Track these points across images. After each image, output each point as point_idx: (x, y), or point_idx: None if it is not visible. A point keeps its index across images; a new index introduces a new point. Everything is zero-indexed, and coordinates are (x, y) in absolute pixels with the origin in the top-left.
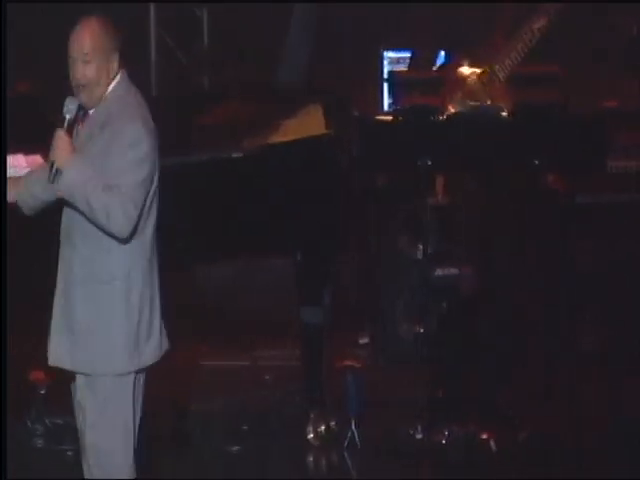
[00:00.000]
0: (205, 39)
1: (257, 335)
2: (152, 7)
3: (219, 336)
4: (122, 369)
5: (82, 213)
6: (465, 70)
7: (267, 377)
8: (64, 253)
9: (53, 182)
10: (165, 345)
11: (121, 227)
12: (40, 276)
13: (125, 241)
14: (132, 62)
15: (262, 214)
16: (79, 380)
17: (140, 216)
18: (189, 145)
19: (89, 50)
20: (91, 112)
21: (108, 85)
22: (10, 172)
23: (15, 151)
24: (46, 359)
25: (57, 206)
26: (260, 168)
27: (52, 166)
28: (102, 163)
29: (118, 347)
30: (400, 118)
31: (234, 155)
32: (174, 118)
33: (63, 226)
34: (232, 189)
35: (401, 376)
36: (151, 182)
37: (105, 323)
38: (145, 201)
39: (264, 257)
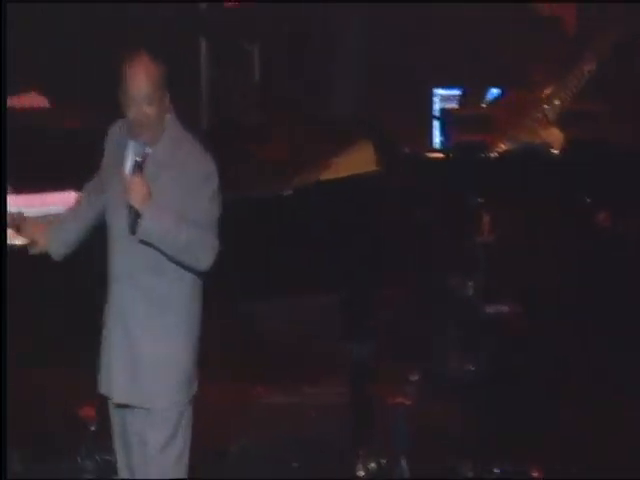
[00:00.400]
0: (255, 74)
1: (305, 371)
2: (202, 41)
3: (267, 372)
4: (184, 400)
5: (145, 251)
6: (515, 107)
7: (315, 413)
8: (122, 290)
9: (134, 229)
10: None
11: (207, 261)
12: (88, 312)
13: (182, 273)
14: (182, 97)
15: (312, 250)
16: (138, 416)
17: None
18: (239, 181)
19: (150, 91)
20: (150, 151)
21: (164, 122)
22: (30, 212)
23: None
24: (96, 395)
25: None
26: (310, 204)
27: (130, 212)
28: (174, 200)
29: (181, 379)
30: (450, 155)
31: (284, 192)
32: (223, 154)
33: (118, 264)
34: (282, 226)
35: (451, 412)
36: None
37: (170, 356)
38: None
39: (313, 293)
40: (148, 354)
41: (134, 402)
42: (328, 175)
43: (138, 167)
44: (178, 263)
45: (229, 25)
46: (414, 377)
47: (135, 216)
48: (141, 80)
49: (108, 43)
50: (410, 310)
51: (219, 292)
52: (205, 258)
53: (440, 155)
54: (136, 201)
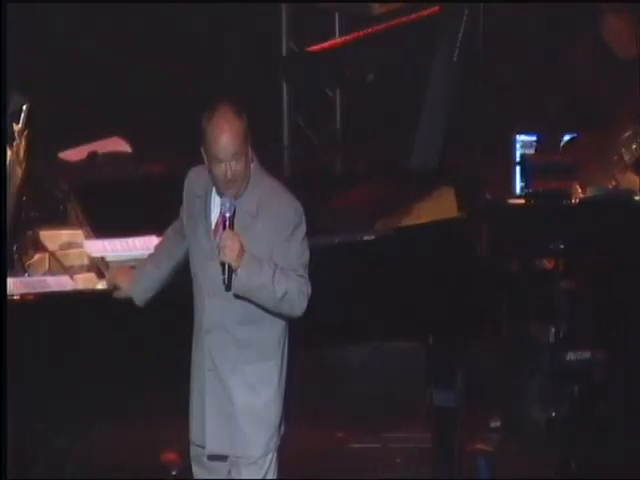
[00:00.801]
0: (337, 120)
1: (387, 417)
2: (285, 88)
3: (349, 418)
4: (275, 446)
5: (240, 303)
6: (592, 151)
7: (398, 460)
8: (214, 341)
9: (229, 286)
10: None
11: (302, 308)
12: (171, 360)
13: (278, 320)
14: (265, 143)
15: (394, 296)
16: (229, 464)
17: None
18: (321, 227)
19: (237, 149)
20: (235, 205)
21: (249, 172)
22: (113, 257)
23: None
24: (178, 440)
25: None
26: (392, 250)
27: (225, 269)
28: (267, 249)
29: (274, 426)
30: (532, 202)
31: (366, 238)
32: (305, 199)
33: (210, 316)
34: (363, 271)
35: (533, 460)
36: None
37: (264, 404)
38: None
39: (395, 340)
40: (243, 403)
41: (229, 452)
42: (410, 220)
43: (229, 223)
44: (273, 312)
45: (311, 70)
46: (495, 424)
47: (230, 272)
48: (227, 139)
49: (189, 89)
50: (492, 357)
51: (301, 337)
52: (300, 305)
53: (521, 201)
54: (231, 258)
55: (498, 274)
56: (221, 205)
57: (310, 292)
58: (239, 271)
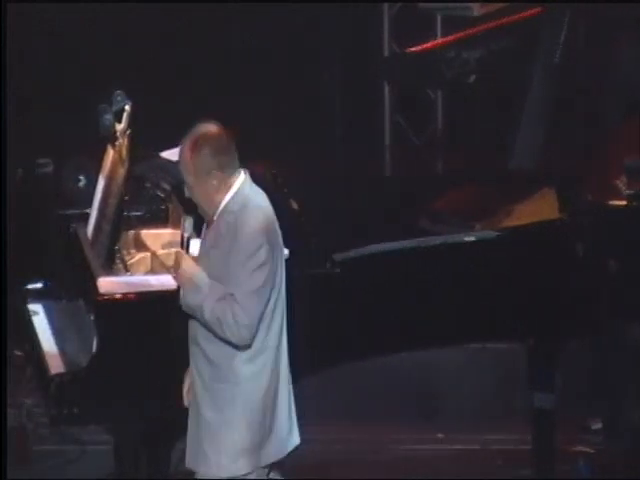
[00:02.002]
0: (439, 122)
1: (486, 419)
2: (386, 88)
3: (448, 419)
4: (243, 470)
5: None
6: None
7: (499, 462)
8: (192, 353)
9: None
10: (294, 441)
11: (236, 336)
12: None
13: (247, 346)
14: (366, 143)
15: (493, 298)
16: None
17: (261, 321)
18: (421, 228)
19: (186, 178)
20: (215, 219)
21: (224, 196)
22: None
23: None
24: None
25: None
26: (493, 252)
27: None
28: (222, 273)
29: (240, 449)
30: (634, 203)
31: (467, 239)
32: (406, 200)
33: (190, 328)
34: (464, 272)
35: (635, 462)
36: (272, 286)
37: (228, 424)
38: (266, 307)
39: (495, 341)
40: (209, 421)
41: (197, 469)
42: (511, 222)
43: (185, 243)
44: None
45: (412, 71)
46: (596, 425)
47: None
48: (180, 164)
49: (290, 89)
50: (593, 358)
51: (403, 340)
52: (232, 333)
53: (623, 203)
54: (175, 276)
55: (598, 275)
56: (184, 224)
57: (246, 322)
58: (182, 291)
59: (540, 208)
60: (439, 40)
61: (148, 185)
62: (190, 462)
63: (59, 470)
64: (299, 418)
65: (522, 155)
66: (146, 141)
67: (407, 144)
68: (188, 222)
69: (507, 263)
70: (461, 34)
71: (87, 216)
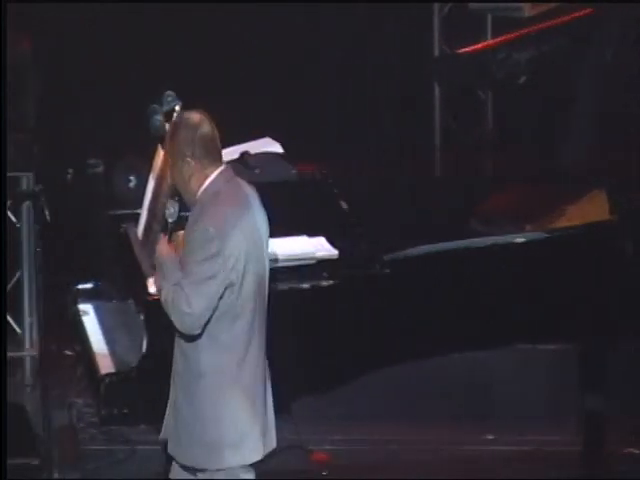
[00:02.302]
0: (489, 122)
1: (537, 420)
2: (436, 89)
3: (499, 420)
4: (215, 465)
5: None
6: None
7: (550, 464)
8: (175, 350)
9: None
10: (270, 444)
11: (179, 323)
12: (320, 362)
13: (212, 338)
14: (416, 143)
15: (544, 299)
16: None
17: (217, 315)
18: (472, 229)
19: (168, 155)
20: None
21: (200, 185)
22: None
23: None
24: (332, 441)
25: None
26: (543, 253)
27: None
28: (185, 260)
29: (209, 443)
30: None
31: (517, 240)
32: (456, 201)
33: None
34: (514, 273)
35: None
36: (229, 282)
37: (198, 417)
38: (219, 300)
39: (547, 342)
40: (182, 412)
41: (176, 458)
42: (561, 222)
43: (171, 228)
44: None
45: (463, 72)
46: None
47: None
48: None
49: (340, 89)
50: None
51: (457, 342)
52: (175, 321)
53: None
54: (156, 261)
55: None
56: (166, 209)
57: (188, 311)
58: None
59: (590, 209)
60: (490, 41)
61: None
62: (171, 450)
63: (108, 470)
64: (352, 418)
65: (573, 155)
66: None
67: (457, 145)
68: (173, 207)
69: (557, 264)
70: (512, 35)
71: (137, 216)
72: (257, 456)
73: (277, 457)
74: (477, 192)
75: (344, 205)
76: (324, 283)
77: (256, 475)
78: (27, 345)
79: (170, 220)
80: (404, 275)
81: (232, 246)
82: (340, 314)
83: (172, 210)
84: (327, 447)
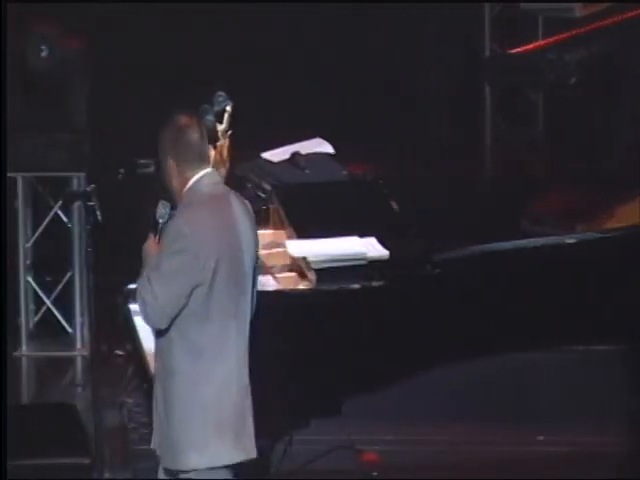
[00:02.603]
0: (540, 123)
1: (587, 421)
2: (487, 89)
3: (550, 422)
4: (183, 466)
5: None
6: None
7: (598, 464)
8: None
9: None
10: (248, 452)
11: (143, 314)
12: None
13: (183, 337)
14: (467, 144)
15: (594, 299)
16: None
17: (185, 314)
18: (523, 230)
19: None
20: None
21: (182, 186)
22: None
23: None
24: (382, 442)
25: None
26: (594, 253)
27: None
28: None
29: (178, 443)
30: None
31: (569, 240)
32: (506, 201)
33: None
34: (565, 274)
35: None
36: (197, 281)
37: (168, 416)
38: (186, 299)
39: (597, 344)
40: (159, 407)
41: (159, 453)
42: (612, 224)
43: (160, 228)
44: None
45: (513, 72)
46: None
47: None
48: None
49: (390, 90)
50: None
51: (501, 341)
52: (140, 312)
53: None
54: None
55: None
56: (157, 209)
57: (149, 303)
58: None
59: None
60: (541, 41)
61: (249, 185)
62: (153, 446)
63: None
64: (401, 418)
65: (623, 156)
66: (247, 142)
67: (507, 145)
68: (164, 208)
69: (608, 264)
70: (563, 35)
71: None
72: (226, 461)
73: (327, 457)
74: (527, 192)
75: (395, 205)
76: (374, 283)
77: (307, 475)
78: (78, 345)
79: (161, 221)
80: (454, 275)
81: (203, 247)
82: (390, 314)
83: (163, 211)
84: (377, 447)
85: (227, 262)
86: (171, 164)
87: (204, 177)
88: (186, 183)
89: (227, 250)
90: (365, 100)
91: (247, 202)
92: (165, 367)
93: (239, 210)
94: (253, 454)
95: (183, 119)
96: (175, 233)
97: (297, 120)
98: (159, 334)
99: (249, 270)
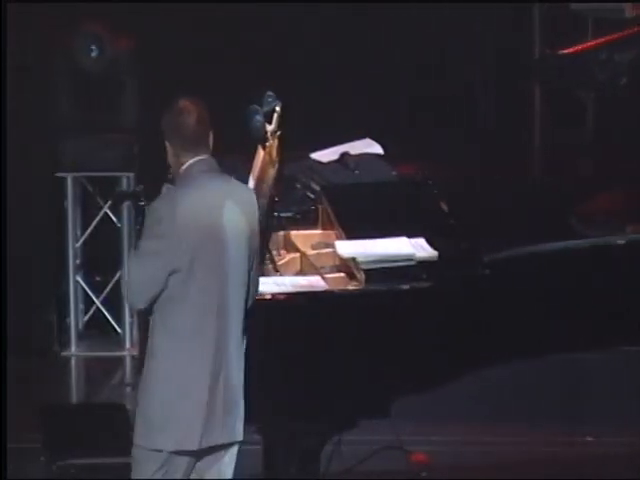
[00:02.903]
0: (590, 123)
1: (635, 421)
2: (537, 91)
3: (598, 422)
4: (139, 442)
5: None
6: None
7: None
8: None
9: None
10: (213, 440)
11: (122, 290)
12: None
13: (162, 321)
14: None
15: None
16: None
17: (164, 299)
18: (572, 230)
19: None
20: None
21: (178, 170)
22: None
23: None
24: (430, 442)
25: None
26: None
27: None
28: None
29: (143, 422)
30: None
31: (619, 242)
32: (556, 202)
33: None
34: (616, 275)
35: None
36: (173, 267)
37: (143, 395)
38: (165, 284)
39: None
40: (139, 389)
41: None
42: None
43: None
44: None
45: (563, 72)
46: None
47: None
48: None
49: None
50: None
51: (552, 341)
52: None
53: None
54: None
55: None
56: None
57: (127, 281)
58: None
59: None
60: (591, 41)
61: (298, 186)
62: None
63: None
64: (449, 419)
65: None
66: (296, 142)
67: (557, 145)
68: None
69: None
70: (613, 35)
71: None
72: (190, 446)
73: (376, 458)
74: (577, 193)
75: (444, 206)
76: (423, 284)
77: (356, 476)
78: (127, 344)
79: None
80: (504, 276)
81: (181, 232)
82: (439, 315)
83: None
84: (425, 448)
85: (207, 250)
86: (168, 148)
87: (197, 163)
88: (180, 167)
89: (207, 239)
90: (412, 100)
91: (251, 193)
92: (148, 350)
93: (232, 199)
94: (219, 441)
95: (182, 103)
96: (154, 216)
97: (345, 120)
98: (150, 316)
99: (237, 260)
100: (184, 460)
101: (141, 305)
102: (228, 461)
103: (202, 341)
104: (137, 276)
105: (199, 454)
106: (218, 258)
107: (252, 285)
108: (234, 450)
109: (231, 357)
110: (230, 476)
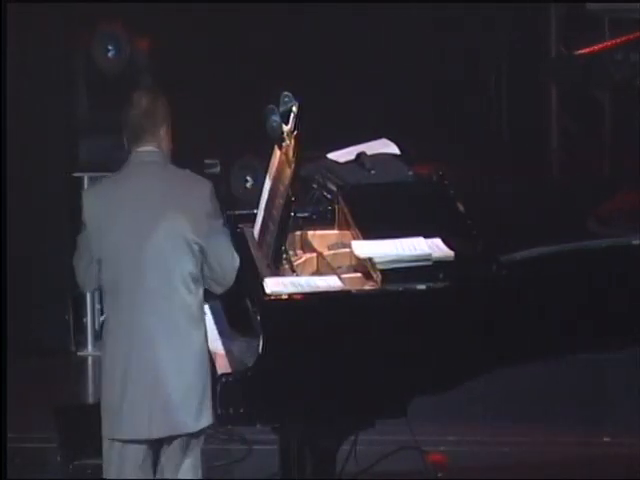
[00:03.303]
0: (607, 123)
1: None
2: (553, 91)
3: (616, 423)
4: (103, 430)
5: None
6: None
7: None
8: None
9: None
10: (156, 432)
11: None
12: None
13: (107, 308)
14: (533, 145)
15: None
16: None
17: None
18: (589, 231)
19: None
20: None
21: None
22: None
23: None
24: (447, 442)
25: None
26: None
27: None
28: None
29: (104, 410)
30: None
31: (635, 242)
32: (573, 202)
33: None
34: (632, 275)
35: None
36: (98, 255)
37: (102, 380)
38: (97, 270)
39: None
40: None
41: None
42: None
43: None
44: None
45: (580, 73)
46: None
47: None
48: None
49: (455, 90)
50: None
51: (568, 343)
52: None
53: None
54: None
55: None
56: None
57: (74, 266)
58: None
59: None
60: (607, 42)
61: (315, 186)
62: None
63: (225, 470)
64: (466, 419)
65: None
66: (313, 142)
67: (574, 146)
68: None
69: None
70: (630, 36)
71: (254, 217)
72: (130, 435)
73: (393, 458)
74: (594, 193)
75: (460, 206)
76: (440, 284)
77: (372, 476)
78: None
79: None
80: (521, 276)
81: (101, 223)
82: (455, 315)
83: None
84: (442, 448)
85: (131, 243)
86: (123, 137)
87: (139, 154)
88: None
89: (125, 230)
90: (429, 100)
91: (199, 184)
92: None
93: (166, 189)
94: (161, 433)
95: (133, 95)
96: (82, 203)
97: (361, 120)
98: None
99: (170, 253)
100: (139, 449)
101: (86, 290)
102: (181, 455)
103: (135, 332)
104: (74, 262)
105: (153, 445)
106: (142, 251)
107: (211, 257)
108: (184, 443)
109: (155, 340)
110: (191, 475)
